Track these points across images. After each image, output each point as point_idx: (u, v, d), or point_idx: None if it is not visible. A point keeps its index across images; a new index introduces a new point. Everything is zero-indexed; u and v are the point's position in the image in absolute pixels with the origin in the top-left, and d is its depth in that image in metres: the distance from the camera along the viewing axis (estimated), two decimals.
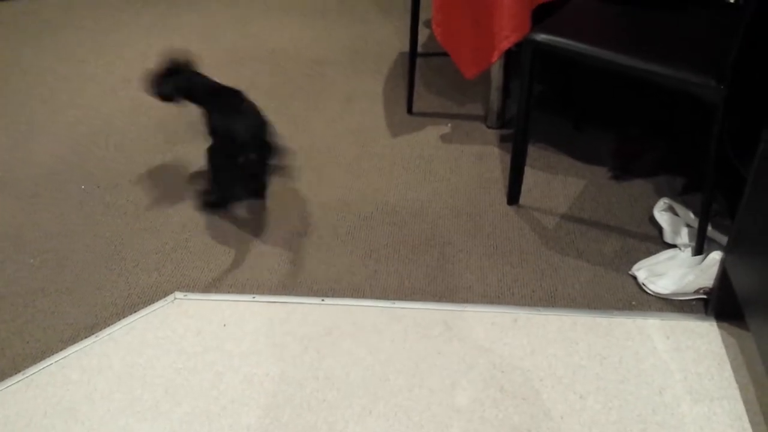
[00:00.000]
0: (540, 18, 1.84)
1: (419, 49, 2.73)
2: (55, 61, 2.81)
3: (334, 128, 2.30)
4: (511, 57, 2.09)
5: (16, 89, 2.60)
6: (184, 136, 2.28)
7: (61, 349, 1.54)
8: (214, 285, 1.70)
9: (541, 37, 1.66)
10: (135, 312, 1.63)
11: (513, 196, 1.93)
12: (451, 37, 2.01)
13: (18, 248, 1.84)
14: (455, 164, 2.10)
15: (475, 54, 2.03)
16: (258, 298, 1.66)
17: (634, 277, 1.69)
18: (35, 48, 2.94)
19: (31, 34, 3.07)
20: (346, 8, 3.18)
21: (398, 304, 1.63)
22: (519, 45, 1.85)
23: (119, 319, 1.61)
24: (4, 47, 2.96)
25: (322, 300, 1.64)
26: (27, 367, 1.51)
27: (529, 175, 2.00)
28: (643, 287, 1.66)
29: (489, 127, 2.26)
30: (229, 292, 1.68)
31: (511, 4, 1.83)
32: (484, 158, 2.12)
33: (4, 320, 1.63)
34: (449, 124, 2.29)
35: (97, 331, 1.58)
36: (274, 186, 2.02)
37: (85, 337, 1.57)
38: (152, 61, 2.74)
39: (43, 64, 2.80)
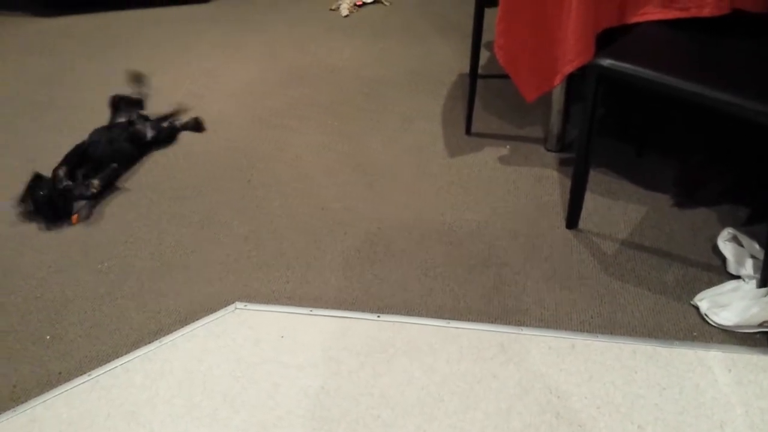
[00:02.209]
0: (603, 43, 1.84)
1: (479, 71, 2.74)
2: (123, 74, 2.92)
3: (392, 147, 2.32)
4: (572, 80, 2.09)
5: (84, 99, 2.71)
6: (251, 152, 2.34)
7: (126, 353, 1.59)
8: (273, 297, 1.74)
9: (607, 62, 1.65)
10: (197, 320, 1.67)
11: (572, 220, 1.92)
12: (513, 60, 2.02)
13: (86, 254, 1.91)
14: (513, 186, 2.10)
15: (537, 77, 2.03)
16: (315, 311, 1.68)
17: (696, 308, 1.65)
18: (104, 61, 3.07)
19: (101, 48, 3.20)
20: (406, 29, 3.22)
21: (453, 324, 1.63)
22: (581, 69, 1.85)
23: (182, 326, 1.66)
24: (74, 59, 3.09)
25: (378, 316, 1.66)
26: (93, 369, 1.56)
27: (589, 200, 1.98)
28: (706, 318, 1.63)
29: (548, 150, 2.26)
30: (287, 305, 1.71)
31: (576, 28, 1.83)
32: (543, 181, 2.11)
33: (72, 323, 1.69)
34: (508, 146, 2.29)
35: (160, 337, 1.63)
36: (332, 202, 2.05)
37: (149, 342, 1.62)
38: (217, 77, 2.84)
39: (111, 77, 2.91)
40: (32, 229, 2.02)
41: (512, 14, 1.94)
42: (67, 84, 2.88)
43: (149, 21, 3.47)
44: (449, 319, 1.64)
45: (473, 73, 2.24)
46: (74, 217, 2.03)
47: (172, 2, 3.63)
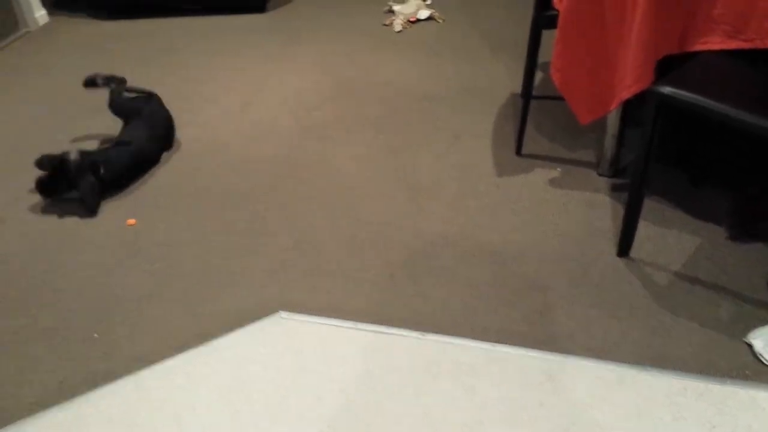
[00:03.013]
0: (661, 69, 1.80)
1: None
2: (176, 80, 2.98)
3: (440, 164, 2.31)
4: (628, 105, 2.05)
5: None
6: (298, 162, 2.35)
7: (170, 355, 1.60)
8: (316, 307, 1.73)
9: (668, 90, 1.62)
10: (241, 326, 1.68)
11: (624, 247, 1.88)
12: (569, 83, 2.00)
13: (134, 254, 1.94)
14: (563, 209, 2.07)
15: (593, 101, 2.00)
16: (358, 325, 1.67)
17: (750, 346, 1.60)
18: (157, 66, 3.13)
19: (154, 53, 3.26)
20: (457, 46, 3.22)
21: (498, 347, 1.60)
22: (638, 95, 1.82)
23: (225, 332, 1.66)
24: (128, 63, 3.16)
25: (422, 335, 1.64)
26: (137, 369, 1.57)
27: (642, 228, 1.93)
28: (759, 357, 1.57)
29: (600, 175, 2.22)
30: (330, 317, 1.70)
31: (637, 53, 1.80)
32: (594, 206, 2.08)
33: (118, 322, 1.71)
34: (559, 169, 2.26)
35: (204, 341, 1.64)
36: (377, 216, 2.05)
37: (193, 346, 1.63)
38: (267, 86, 2.87)
39: (165, 82, 2.96)
40: (83, 227, 2.06)
41: (571, 37, 1.92)
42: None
43: (205, 29, 3.53)
44: (494, 341, 1.62)
45: (527, 94, 2.22)
46: (130, 220, 2.06)
47: (228, 11, 3.70)
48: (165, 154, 2.42)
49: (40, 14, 3.74)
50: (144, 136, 2.31)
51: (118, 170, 2.19)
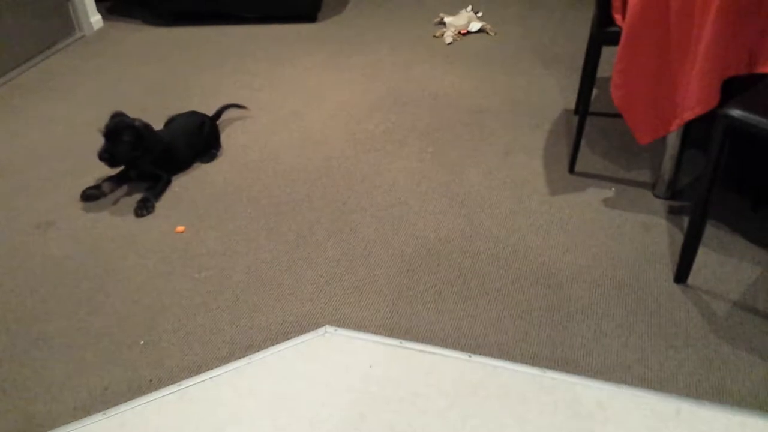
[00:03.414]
0: (726, 90, 1.74)
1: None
2: (233, 87, 3.00)
3: (490, 179, 2.27)
4: (690, 126, 1.98)
5: (197, 109, 2.79)
6: (348, 174, 2.34)
7: (216, 366, 1.60)
8: (363, 324, 1.71)
9: (737, 113, 1.55)
10: (287, 339, 1.67)
11: (682, 274, 1.81)
12: (629, 102, 1.94)
13: (184, 262, 1.95)
14: (618, 231, 2.01)
15: (654, 120, 1.94)
16: (405, 344, 1.64)
17: None
18: (216, 73, 3.16)
19: (211, 60, 3.30)
20: (509, 60, 3.17)
21: (549, 373, 1.55)
22: (701, 116, 1.76)
23: (272, 345, 1.65)
24: (185, 70, 3.20)
25: (470, 356, 1.60)
26: (183, 379, 1.57)
27: (699, 253, 1.87)
28: None
29: (657, 197, 2.15)
30: (377, 333, 1.68)
31: (702, 74, 1.74)
32: (650, 229, 2.01)
33: (166, 330, 1.72)
34: (613, 189, 2.20)
35: (250, 353, 1.63)
36: (427, 231, 2.02)
37: (240, 358, 1.62)
38: (318, 96, 2.87)
39: (223, 89, 2.99)
40: (134, 232, 2.08)
41: (633, 55, 1.87)
42: (177, 93, 2.98)
43: (257, 37, 3.56)
44: (545, 367, 1.57)
45: (582, 110, 2.17)
46: (180, 227, 2.07)
47: (279, 21, 3.72)
48: (216, 162, 2.43)
49: (95, 19, 3.82)
50: (178, 135, 2.38)
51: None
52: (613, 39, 2.00)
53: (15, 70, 3.27)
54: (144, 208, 2.14)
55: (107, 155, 2.16)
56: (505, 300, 1.77)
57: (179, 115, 2.49)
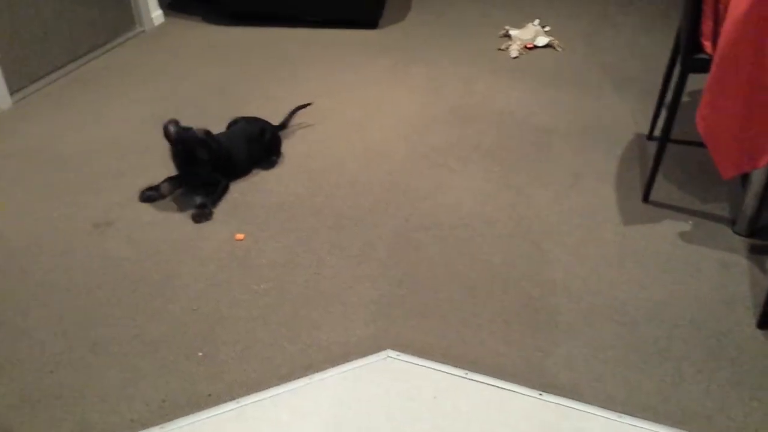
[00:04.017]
0: None
1: (657, 133, 2.58)
2: (289, 93, 2.98)
3: (559, 205, 2.21)
4: None
5: (251, 113, 2.78)
6: (411, 190, 2.30)
7: (275, 384, 1.56)
8: (427, 350, 1.66)
9: None
10: (348, 361, 1.62)
11: (766, 319, 1.72)
12: (715, 134, 1.86)
13: (243, 272, 1.92)
14: (695, 268, 1.92)
15: (740, 154, 1.85)
16: (471, 375, 1.59)
17: None
18: (275, 76, 3.15)
19: (271, 63, 3.29)
20: (579, 79, 3.10)
21: (626, 419, 1.48)
22: None
23: (332, 366, 1.61)
24: (247, 71, 3.20)
25: (540, 394, 1.54)
26: (241, 395, 1.54)
27: None
28: None
29: (736, 233, 2.06)
30: (441, 362, 1.62)
31: None
32: (730, 268, 1.92)
33: (225, 342, 1.69)
34: (690, 222, 2.11)
35: (311, 373, 1.59)
36: (493, 255, 1.96)
37: (299, 377, 1.58)
38: (380, 106, 2.83)
39: (282, 93, 2.98)
40: (193, 236, 2.06)
41: (723, 87, 1.79)
42: (237, 95, 2.98)
43: (318, 41, 3.55)
44: (621, 412, 1.50)
45: (663, 138, 2.09)
46: (239, 235, 2.05)
47: (341, 26, 3.70)
48: (277, 170, 2.41)
49: (156, 14, 3.85)
50: (239, 141, 2.35)
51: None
52: (702, 67, 1.93)
53: (74, 63, 3.30)
54: (202, 215, 2.12)
55: (191, 177, 2.17)
56: (577, 335, 1.70)
57: (241, 119, 2.47)
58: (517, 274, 1.90)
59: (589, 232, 2.07)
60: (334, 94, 2.97)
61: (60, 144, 2.61)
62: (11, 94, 2.92)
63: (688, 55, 1.96)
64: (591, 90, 2.99)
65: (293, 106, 2.73)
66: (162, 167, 2.36)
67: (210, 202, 2.17)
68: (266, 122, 2.48)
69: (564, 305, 1.80)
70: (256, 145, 2.38)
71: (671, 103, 2.02)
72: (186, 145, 2.12)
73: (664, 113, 2.58)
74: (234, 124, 2.46)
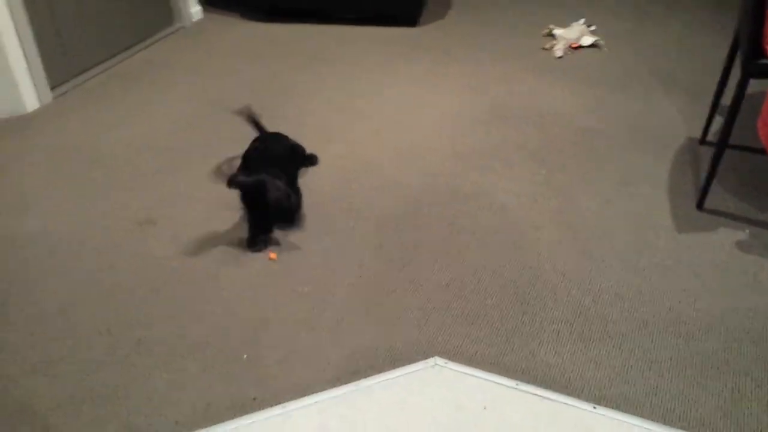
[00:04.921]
0: None
1: (710, 138, 2.52)
2: (327, 91, 2.97)
3: (608, 210, 2.16)
4: None
5: (285, 111, 2.77)
6: (453, 192, 2.27)
7: (320, 390, 1.55)
8: (475, 359, 1.63)
9: None
10: (394, 367, 1.60)
11: None
12: None
13: (286, 274, 1.91)
14: (754, 280, 1.87)
15: None
16: (522, 386, 1.56)
17: None
18: (313, 73, 3.14)
19: (310, 60, 3.28)
20: (624, 79, 3.04)
21: None
22: None
23: (378, 372, 1.59)
24: (285, 68, 3.20)
25: (594, 407, 1.50)
26: (287, 400, 1.53)
27: None
28: None
29: None
30: (491, 372, 1.60)
31: None
32: None
33: (268, 346, 1.68)
34: (747, 231, 2.05)
35: (356, 380, 1.57)
36: (541, 262, 1.93)
37: (345, 383, 1.56)
38: (418, 105, 2.81)
39: (320, 91, 2.97)
40: (233, 238, 2.06)
41: None
42: (274, 93, 2.98)
43: (357, 39, 3.53)
44: (680, 428, 1.45)
45: (721, 143, 2.03)
46: (273, 254, 2.00)
47: (380, 23, 3.68)
48: (313, 170, 2.40)
49: (195, 10, 3.87)
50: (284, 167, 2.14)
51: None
52: (764, 72, 1.88)
53: (114, 58, 3.33)
54: (261, 242, 2.01)
55: (265, 231, 2.02)
56: (631, 347, 1.66)
57: (266, 138, 2.30)
58: (567, 282, 1.87)
59: (641, 239, 2.03)
60: (373, 93, 2.95)
61: (100, 140, 2.63)
62: (52, 89, 2.95)
63: (750, 59, 1.90)
64: (638, 91, 2.93)
65: (333, 106, 2.72)
66: (202, 164, 2.36)
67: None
68: (289, 138, 2.34)
69: (617, 315, 1.76)
70: (293, 165, 2.26)
71: (731, 108, 1.97)
72: (256, 196, 1.94)
73: (718, 117, 2.52)
74: (261, 143, 2.26)
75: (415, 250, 2.00)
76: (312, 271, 1.92)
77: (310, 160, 2.40)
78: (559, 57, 3.24)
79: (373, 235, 2.06)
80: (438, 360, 1.63)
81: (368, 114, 2.77)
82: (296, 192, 2.14)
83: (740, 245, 2.00)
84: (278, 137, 2.32)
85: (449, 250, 1.99)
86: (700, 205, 2.15)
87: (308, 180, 2.34)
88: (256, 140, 2.27)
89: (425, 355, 1.64)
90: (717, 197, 2.20)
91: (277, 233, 2.06)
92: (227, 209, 2.15)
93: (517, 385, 1.56)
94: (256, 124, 2.35)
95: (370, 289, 1.85)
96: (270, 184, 1.92)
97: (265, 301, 1.81)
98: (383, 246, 2.01)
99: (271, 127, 2.39)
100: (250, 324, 1.74)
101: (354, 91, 2.96)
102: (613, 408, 1.51)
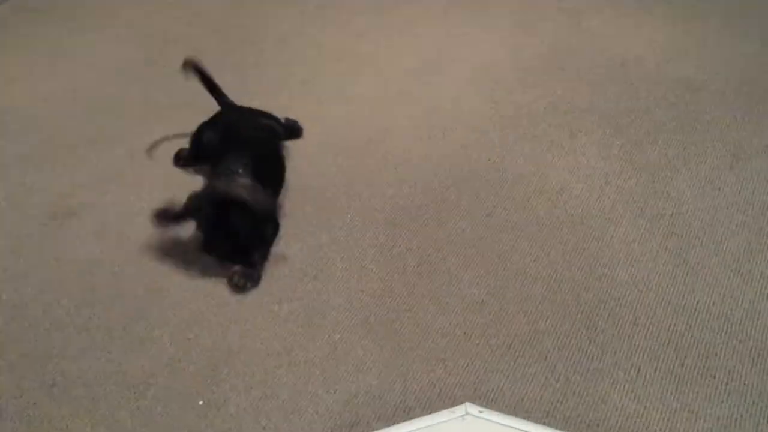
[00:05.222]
0: None
1: None
2: (322, 31, 2.98)
3: (712, 196, 2.16)
4: None
5: (268, 60, 2.78)
6: (495, 172, 2.27)
7: None
8: (522, 405, 1.64)
9: None
10: (409, 418, 1.61)
11: None
12: None
13: (260, 287, 1.92)
14: None
15: None
16: None
17: None
18: (297, 8, 3.15)
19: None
20: (735, 12, 3.03)
21: None
22: None
23: (387, 425, 1.60)
24: (280, 17, 3.20)
25: None
26: None
27: None
28: None
29: None
30: (543, 423, 1.60)
31: None
32: None
33: (234, 386, 1.70)
34: None
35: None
36: (617, 269, 1.92)
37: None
38: (450, 52, 2.80)
39: (305, 32, 2.98)
40: (184, 233, 2.06)
41: None
42: (244, 35, 3.00)
43: None
44: None
45: None
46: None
47: None
48: (301, 142, 2.40)
49: None
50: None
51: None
52: None
53: None
54: (249, 279, 1.95)
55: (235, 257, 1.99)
56: (742, 389, 1.66)
57: (232, 113, 2.31)
58: (651, 298, 1.87)
59: (757, 237, 2.02)
60: (382, 34, 2.96)
61: (2, 98, 2.64)
62: None
63: None
64: (755, 31, 2.92)
65: (336, 54, 2.72)
66: (141, 133, 2.37)
67: (259, 258, 2.00)
68: (266, 113, 2.34)
69: (722, 346, 1.75)
70: (273, 161, 2.23)
71: None
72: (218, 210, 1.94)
73: None
74: (221, 128, 2.25)
75: (438, 252, 2.00)
76: (295, 280, 1.93)
77: (292, 131, 2.41)
78: None
79: (380, 232, 2.07)
80: (470, 407, 1.63)
81: (378, 64, 2.78)
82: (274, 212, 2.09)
83: None
84: (248, 115, 2.33)
85: (485, 252, 2.00)
86: None
87: (295, 156, 2.35)
88: (213, 119, 2.27)
89: (452, 401, 1.65)
90: None
91: None
92: (175, 194, 2.16)
93: None
94: (210, 85, 2.34)
95: (375, 307, 1.86)
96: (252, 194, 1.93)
97: (228, 325, 1.82)
98: (394, 247, 2.02)
99: (236, 81, 2.39)
100: (207, 357, 1.76)
101: (357, 31, 2.97)
102: None
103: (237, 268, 1.96)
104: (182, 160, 2.29)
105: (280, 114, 2.42)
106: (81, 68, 2.80)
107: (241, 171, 2.00)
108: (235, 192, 1.92)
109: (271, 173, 2.15)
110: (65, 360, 1.76)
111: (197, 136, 2.25)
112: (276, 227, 2.05)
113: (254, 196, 1.93)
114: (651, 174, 2.24)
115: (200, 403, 1.66)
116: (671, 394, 1.66)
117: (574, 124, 2.45)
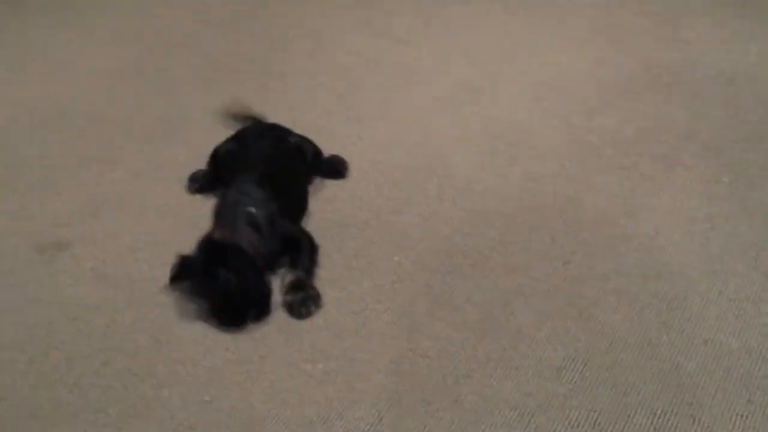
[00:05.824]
0: None
1: None
2: (359, 34, 3.02)
3: None
4: None
5: (295, 68, 2.82)
6: (570, 207, 2.29)
7: None
8: None
9: None
10: None
11: None
12: None
13: (288, 341, 1.95)
14: None
15: None
16: None
17: None
18: (331, 6, 3.19)
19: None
20: None
21: None
22: None
23: None
24: (314, 15, 3.25)
25: None
26: None
27: None
28: None
29: None
30: None
31: None
32: None
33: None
34: None
35: None
36: (718, 333, 1.93)
37: None
38: (507, 62, 2.82)
39: (341, 35, 3.02)
40: None
41: None
42: (269, 36, 3.04)
43: None
44: None
45: None
46: None
47: None
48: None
49: None
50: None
51: None
52: None
53: None
54: (312, 302, 2.04)
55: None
56: None
57: (255, 135, 2.37)
58: (760, 368, 1.86)
59: None
60: (430, 40, 3.00)
61: None
62: None
63: None
64: None
65: (376, 63, 2.75)
66: (144, 150, 2.40)
67: (306, 274, 2.09)
68: (291, 133, 2.42)
69: None
70: (297, 182, 2.33)
71: None
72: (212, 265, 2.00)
73: None
74: (242, 142, 2.34)
75: (505, 306, 2.01)
76: (332, 337, 1.95)
77: (335, 169, 2.46)
78: None
79: (435, 279, 2.09)
80: None
81: (425, 74, 2.81)
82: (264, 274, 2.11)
83: None
84: (273, 132, 2.38)
85: (563, 308, 2.01)
86: None
87: (332, 186, 2.40)
88: (236, 135, 2.35)
89: None
90: None
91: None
92: (183, 226, 2.19)
93: None
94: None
95: (429, 370, 1.87)
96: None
97: (252, 386, 1.84)
98: (450, 299, 2.04)
99: (256, 94, 2.43)
100: (227, 423, 1.77)
101: (399, 35, 3.00)
102: None
103: (288, 297, 2.03)
104: (197, 183, 2.31)
105: (312, 136, 2.46)
106: (72, 73, 2.85)
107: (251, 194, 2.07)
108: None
109: (288, 197, 2.20)
110: (53, 425, 1.77)
111: (216, 153, 2.30)
112: (263, 312, 2.05)
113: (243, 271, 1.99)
114: (766, 218, 2.24)
115: None
116: None
117: (670, 154, 2.46)
